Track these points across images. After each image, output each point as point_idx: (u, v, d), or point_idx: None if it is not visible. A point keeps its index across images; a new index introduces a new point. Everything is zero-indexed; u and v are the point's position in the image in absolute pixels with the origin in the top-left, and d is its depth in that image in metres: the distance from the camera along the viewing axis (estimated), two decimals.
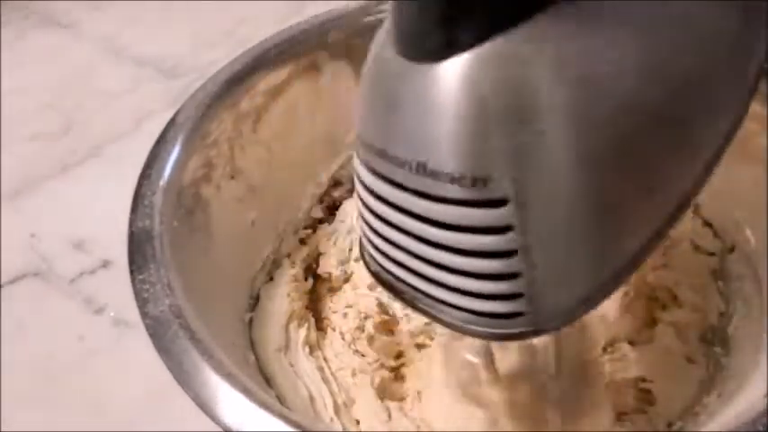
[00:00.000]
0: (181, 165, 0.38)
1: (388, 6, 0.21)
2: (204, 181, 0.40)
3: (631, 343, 0.42)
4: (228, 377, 0.30)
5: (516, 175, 0.19)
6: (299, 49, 0.45)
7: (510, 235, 0.20)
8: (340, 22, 0.46)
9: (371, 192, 0.23)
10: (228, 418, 0.29)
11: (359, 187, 0.24)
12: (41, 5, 0.79)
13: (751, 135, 0.40)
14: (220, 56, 0.45)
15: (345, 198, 0.49)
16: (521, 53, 0.19)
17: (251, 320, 0.41)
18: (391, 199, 0.22)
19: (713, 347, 0.40)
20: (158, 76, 0.68)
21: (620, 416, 0.38)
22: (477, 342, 0.33)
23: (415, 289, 0.23)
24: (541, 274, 0.21)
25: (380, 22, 0.46)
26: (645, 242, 0.22)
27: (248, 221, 0.43)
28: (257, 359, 0.39)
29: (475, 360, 0.34)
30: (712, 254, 0.43)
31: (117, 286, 0.44)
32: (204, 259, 0.38)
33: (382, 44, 0.22)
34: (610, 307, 0.42)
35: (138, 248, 0.34)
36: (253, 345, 0.40)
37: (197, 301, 0.33)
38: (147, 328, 0.32)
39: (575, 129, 0.19)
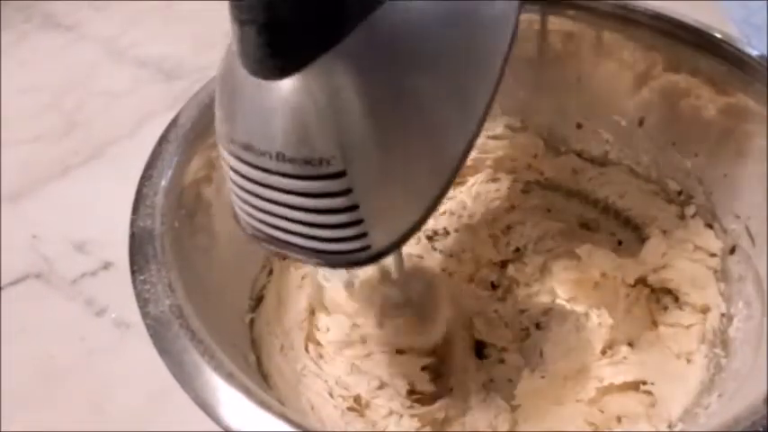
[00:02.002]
0: (182, 166, 0.38)
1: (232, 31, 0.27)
2: (205, 182, 0.40)
3: (630, 345, 0.42)
4: (229, 377, 0.30)
5: (347, 154, 0.27)
6: None
7: (350, 195, 0.28)
8: None
9: (241, 174, 0.29)
10: (229, 419, 0.29)
11: (230, 172, 0.30)
12: (43, 7, 0.79)
13: (751, 135, 0.40)
14: (221, 57, 0.45)
15: None
16: (332, 69, 0.26)
17: (252, 321, 0.41)
18: (256, 178, 0.29)
19: (714, 349, 0.40)
20: (159, 77, 0.69)
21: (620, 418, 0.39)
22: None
23: (285, 242, 0.30)
24: (376, 217, 0.29)
25: None
26: (442, 185, 0.30)
27: None
28: (258, 360, 0.39)
29: (327, 284, 0.43)
30: (713, 255, 0.43)
31: (118, 287, 0.44)
32: (205, 260, 0.38)
33: (231, 62, 0.28)
34: (612, 308, 0.42)
35: (140, 249, 0.34)
36: (253, 345, 0.40)
37: (198, 302, 0.33)
38: (148, 328, 0.32)
39: (375, 117, 0.27)
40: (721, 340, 0.40)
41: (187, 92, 0.42)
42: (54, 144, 0.63)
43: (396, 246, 0.30)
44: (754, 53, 0.40)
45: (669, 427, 0.37)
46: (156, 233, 0.35)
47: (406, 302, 0.41)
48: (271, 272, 0.44)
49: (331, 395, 0.39)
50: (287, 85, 0.26)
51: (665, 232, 0.46)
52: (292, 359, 0.40)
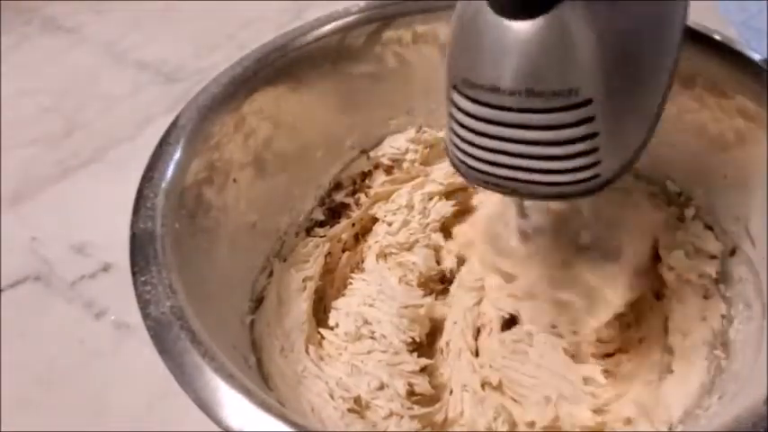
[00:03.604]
0: (183, 167, 0.38)
1: None
2: (206, 183, 0.40)
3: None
4: (230, 379, 0.30)
5: (591, 83, 0.30)
6: (299, 53, 0.45)
7: (592, 123, 0.31)
8: (340, 24, 0.46)
9: (476, 117, 0.32)
10: (230, 420, 0.29)
11: (459, 116, 0.33)
12: (44, 10, 0.79)
13: (751, 137, 0.40)
14: (221, 59, 0.46)
15: (346, 200, 0.49)
16: (578, 12, 0.29)
17: (252, 322, 0.41)
18: (500, 119, 0.31)
19: (714, 350, 0.40)
20: (160, 79, 0.69)
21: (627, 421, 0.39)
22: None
23: (513, 179, 0.33)
24: (610, 144, 0.32)
25: (380, 24, 0.47)
26: (655, 114, 0.34)
27: (250, 224, 0.43)
28: (258, 361, 0.39)
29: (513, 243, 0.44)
30: (714, 257, 0.43)
31: (118, 290, 0.44)
32: (206, 261, 0.38)
33: (474, 5, 0.31)
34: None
35: (140, 250, 0.34)
36: (254, 347, 0.40)
37: (198, 303, 0.33)
38: (149, 329, 0.32)
39: (615, 52, 0.31)
40: (721, 342, 0.40)
41: (187, 94, 0.42)
42: (54, 146, 0.63)
43: (620, 174, 0.33)
44: (754, 56, 0.40)
45: (670, 428, 0.37)
46: (156, 234, 0.35)
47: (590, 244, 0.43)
48: (271, 273, 0.44)
49: (331, 396, 0.39)
50: (540, 24, 0.29)
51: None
52: (293, 360, 0.40)
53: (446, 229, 0.50)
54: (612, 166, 0.32)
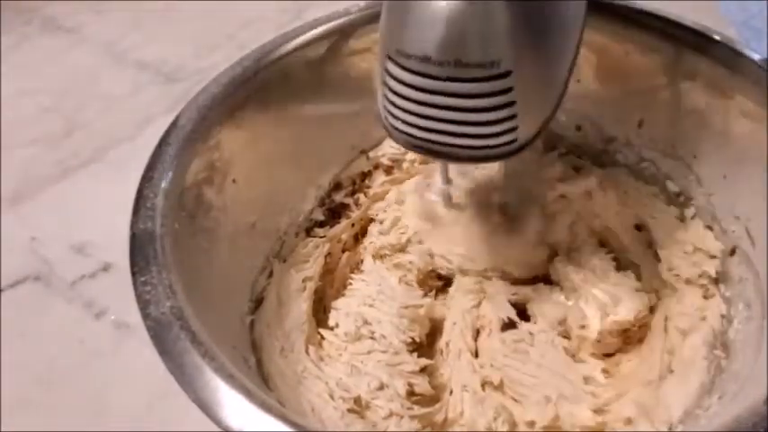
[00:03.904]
0: (182, 167, 0.38)
1: None
2: (206, 183, 0.40)
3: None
4: (230, 379, 0.30)
5: (513, 56, 0.33)
6: (299, 53, 0.45)
7: (510, 93, 0.34)
8: (340, 24, 0.46)
9: (408, 84, 0.35)
10: (230, 420, 0.29)
11: (393, 84, 0.35)
12: (44, 10, 0.79)
13: (751, 137, 0.40)
14: (221, 59, 0.46)
15: (346, 200, 0.49)
16: None
17: (252, 323, 0.41)
18: (430, 87, 0.34)
19: (714, 350, 0.40)
20: (160, 79, 0.69)
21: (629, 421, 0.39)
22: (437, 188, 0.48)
23: (439, 143, 0.36)
24: (526, 111, 0.35)
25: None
26: (568, 75, 0.37)
27: (249, 224, 0.43)
28: (258, 361, 0.39)
29: (436, 198, 0.49)
30: (714, 257, 0.43)
31: (118, 289, 0.44)
32: (206, 261, 0.38)
33: None
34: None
35: (140, 250, 0.34)
36: (254, 347, 0.40)
37: (198, 303, 0.33)
38: (149, 329, 0.32)
39: (530, 23, 0.34)
40: (721, 342, 0.40)
41: (187, 94, 0.42)
42: (54, 146, 0.63)
43: (533, 139, 0.36)
44: (754, 56, 0.40)
45: (670, 428, 0.37)
46: (156, 235, 0.35)
47: (502, 208, 0.48)
48: (271, 274, 0.44)
49: (331, 397, 0.39)
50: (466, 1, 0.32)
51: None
52: (293, 361, 0.40)
53: None
54: (528, 131, 0.36)
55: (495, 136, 0.35)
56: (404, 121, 0.36)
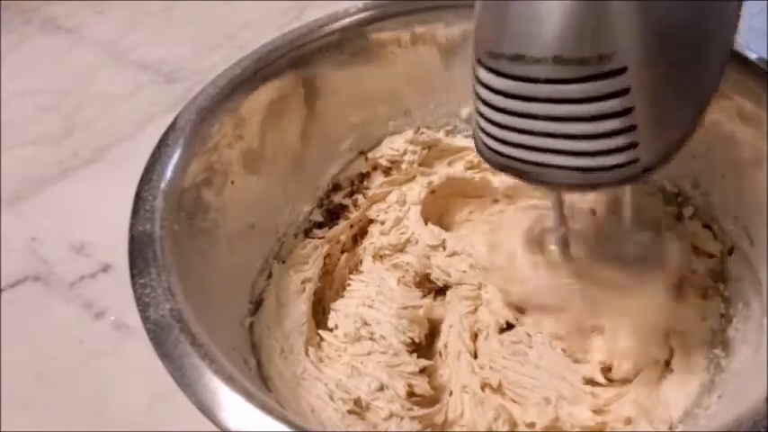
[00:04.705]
0: (181, 169, 0.38)
1: None
2: (205, 185, 0.40)
3: None
4: (230, 381, 0.30)
5: (627, 49, 0.27)
6: (299, 53, 0.45)
7: (629, 96, 0.27)
8: (340, 26, 0.46)
9: (500, 92, 0.29)
10: (230, 422, 0.29)
11: (483, 92, 0.30)
12: (44, 10, 0.79)
13: (750, 138, 0.40)
14: (221, 60, 0.46)
15: (344, 202, 0.49)
16: None
17: (251, 325, 0.41)
18: (525, 93, 0.28)
19: (713, 349, 0.40)
20: (159, 79, 0.69)
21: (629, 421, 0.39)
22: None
23: (544, 164, 0.30)
24: (649, 125, 0.28)
25: (381, 26, 0.47)
26: (707, 94, 0.31)
27: (248, 225, 0.43)
28: (258, 363, 0.39)
29: (553, 247, 0.41)
30: (712, 256, 0.43)
31: (117, 290, 0.44)
32: (205, 263, 0.38)
33: None
34: None
35: (139, 252, 0.34)
36: (253, 349, 0.40)
37: (198, 305, 0.33)
38: (149, 332, 0.32)
39: (661, 17, 0.27)
40: (721, 341, 0.40)
41: (187, 94, 0.42)
42: (54, 147, 0.63)
43: (663, 161, 0.30)
44: (753, 56, 0.40)
45: (670, 428, 0.37)
46: (155, 236, 0.35)
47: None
48: (270, 275, 0.44)
49: (331, 398, 0.39)
50: None
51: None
52: (292, 362, 0.40)
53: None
54: (654, 150, 0.29)
55: (610, 153, 0.29)
56: (495, 138, 0.31)
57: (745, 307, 0.40)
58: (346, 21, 0.46)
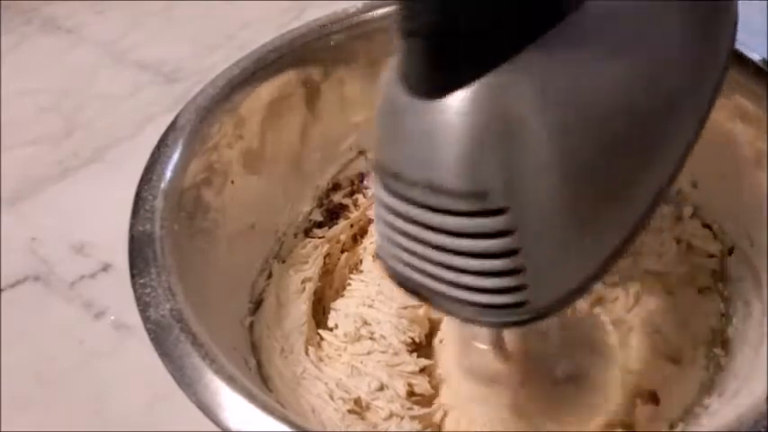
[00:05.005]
0: (181, 168, 0.38)
1: (395, 49, 0.25)
2: (205, 185, 0.40)
3: None
4: (230, 381, 0.30)
5: (511, 188, 0.23)
6: (299, 53, 0.45)
7: (512, 237, 0.24)
8: (340, 26, 0.46)
9: (389, 208, 0.26)
10: (231, 422, 0.29)
11: (377, 205, 0.28)
12: (43, 10, 0.79)
13: (749, 138, 0.40)
14: (221, 60, 0.46)
15: (344, 201, 0.49)
16: (506, 85, 0.23)
17: (251, 324, 0.41)
18: (407, 213, 0.26)
19: (713, 349, 0.40)
20: (159, 80, 0.69)
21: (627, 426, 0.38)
22: (486, 330, 0.38)
23: (433, 291, 0.27)
24: (540, 268, 0.25)
25: (380, 25, 0.47)
26: (625, 236, 0.26)
27: (248, 225, 0.43)
28: (258, 363, 0.39)
29: (484, 347, 0.38)
30: (712, 255, 0.43)
31: (117, 290, 0.44)
32: (205, 263, 0.38)
33: (391, 83, 0.25)
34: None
35: (139, 252, 0.34)
36: (253, 348, 0.40)
37: (198, 305, 0.33)
38: (149, 332, 0.32)
39: (557, 147, 0.23)
40: (721, 340, 0.40)
41: (187, 94, 0.42)
42: (54, 147, 0.62)
43: (559, 306, 0.26)
44: (753, 56, 0.40)
45: (670, 427, 0.37)
46: (155, 236, 0.35)
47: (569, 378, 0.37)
48: (270, 275, 0.44)
49: (331, 398, 0.39)
50: (448, 104, 0.23)
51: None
52: (292, 362, 0.40)
53: None
54: (546, 296, 0.26)
55: (497, 293, 0.25)
56: (391, 254, 0.28)
57: (745, 306, 0.40)
58: (346, 21, 0.46)
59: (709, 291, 0.43)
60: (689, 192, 0.45)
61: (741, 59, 0.40)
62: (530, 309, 0.26)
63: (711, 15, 0.29)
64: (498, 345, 0.38)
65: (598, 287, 0.43)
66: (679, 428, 0.37)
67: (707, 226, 0.44)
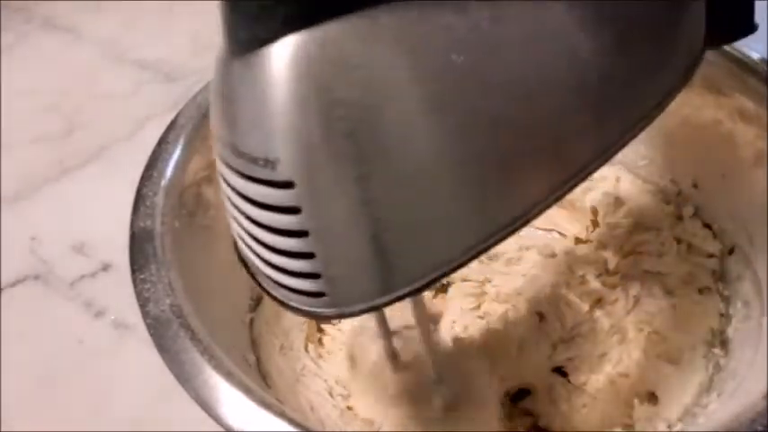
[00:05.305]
0: (182, 166, 0.38)
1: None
2: (206, 182, 0.40)
3: None
4: (229, 376, 0.30)
5: (302, 162, 0.21)
6: None
7: (299, 216, 0.22)
8: None
9: (222, 178, 0.25)
10: (229, 417, 0.29)
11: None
12: (43, 9, 0.79)
13: (750, 137, 0.40)
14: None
15: None
16: (303, 45, 0.20)
17: (251, 321, 0.41)
18: (224, 176, 0.24)
19: (713, 349, 0.40)
20: (159, 79, 0.69)
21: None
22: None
23: (256, 269, 0.26)
24: (335, 260, 0.22)
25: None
26: (456, 253, 0.23)
27: None
28: (257, 359, 0.39)
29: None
30: (712, 255, 0.43)
31: (117, 289, 0.44)
32: (205, 260, 0.38)
33: (219, 48, 0.24)
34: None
35: (140, 248, 0.35)
36: (253, 345, 0.40)
37: (198, 301, 0.33)
38: (148, 327, 0.32)
39: (339, 119, 0.21)
40: (720, 340, 0.40)
41: (187, 94, 0.42)
42: (53, 146, 0.62)
43: (366, 308, 0.23)
44: (753, 55, 0.40)
45: (669, 427, 0.37)
46: (156, 233, 0.35)
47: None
48: None
49: (330, 394, 0.39)
50: (246, 62, 0.21)
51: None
52: (292, 359, 0.40)
53: None
54: (349, 291, 0.23)
55: (295, 276, 0.23)
56: (234, 229, 0.26)
57: (744, 306, 0.40)
58: None
59: (709, 291, 0.43)
60: (689, 192, 0.45)
61: (741, 58, 0.40)
62: (326, 302, 0.23)
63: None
64: (390, 353, 0.37)
65: (597, 288, 0.43)
66: (677, 428, 0.37)
67: (707, 226, 0.44)
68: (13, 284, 0.52)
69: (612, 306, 0.43)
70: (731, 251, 0.42)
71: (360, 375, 0.39)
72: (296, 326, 0.42)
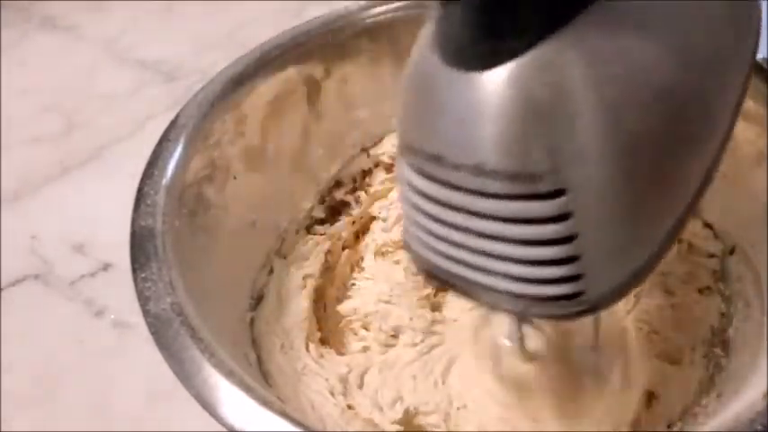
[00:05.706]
0: (183, 165, 0.38)
1: (431, 13, 0.23)
2: (206, 181, 0.40)
3: None
4: (230, 375, 0.30)
5: (567, 168, 0.22)
6: (299, 51, 0.45)
7: (569, 222, 0.22)
8: (341, 23, 0.46)
9: (424, 194, 0.24)
10: (229, 416, 0.29)
11: (407, 191, 0.25)
12: (43, 8, 0.79)
13: (750, 136, 0.40)
14: (221, 58, 0.45)
15: (346, 198, 0.49)
16: (559, 58, 0.21)
17: (252, 320, 0.41)
18: (447, 200, 0.24)
19: (713, 349, 0.40)
20: (159, 78, 0.69)
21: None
22: (506, 326, 0.36)
23: (473, 283, 0.25)
24: (597, 255, 0.23)
25: (382, 23, 0.47)
26: (678, 220, 0.25)
27: (250, 221, 0.43)
28: (258, 358, 0.39)
29: (507, 343, 0.36)
30: (713, 255, 0.43)
31: (117, 289, 0.44)
32: (206, 258, 0.38)
33: (424, 53, 0.23)
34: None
35: (141, 247, 0.34)
36: (254, 344, 0.40)
37: (198, 300, 0.33)
38: (149, 326, 0.32)
39: (611, 125, 0.22)
40: (720, 340, 0.40)
41: (187, 93, 0.43)
42: (53, 145, 0.63)
43: (616, 296, 0.25)
44: None
45: (669, 426, 0.37)
46: (156, 232, 0.35)
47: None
48: (271, 271, 0.44)
49: (331, 393, 0.39)
50: (498, 77, 0.21)
51: None
52: (293, 358, 0.40)
53: None
54: (602, 285, 0.24)
55: (549, 283, 0.23)
56: (424, 244, 0.26)
57: (745, 306, 0.40)
58: (348, 18, 0.47)
59: (710, 290, 0.43)
60: None
61: None
62: (583, 300, 0.24)
63: (743, 10, 0.28)
64: (520, 343, 0.36)
65: None
66: (677, 428, 0.37)
67: (708, 225, 0.44)
68: (14, 284, 0.52)
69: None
70: (732, 251, 0.42)
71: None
72: (296, 325, 0.42)
